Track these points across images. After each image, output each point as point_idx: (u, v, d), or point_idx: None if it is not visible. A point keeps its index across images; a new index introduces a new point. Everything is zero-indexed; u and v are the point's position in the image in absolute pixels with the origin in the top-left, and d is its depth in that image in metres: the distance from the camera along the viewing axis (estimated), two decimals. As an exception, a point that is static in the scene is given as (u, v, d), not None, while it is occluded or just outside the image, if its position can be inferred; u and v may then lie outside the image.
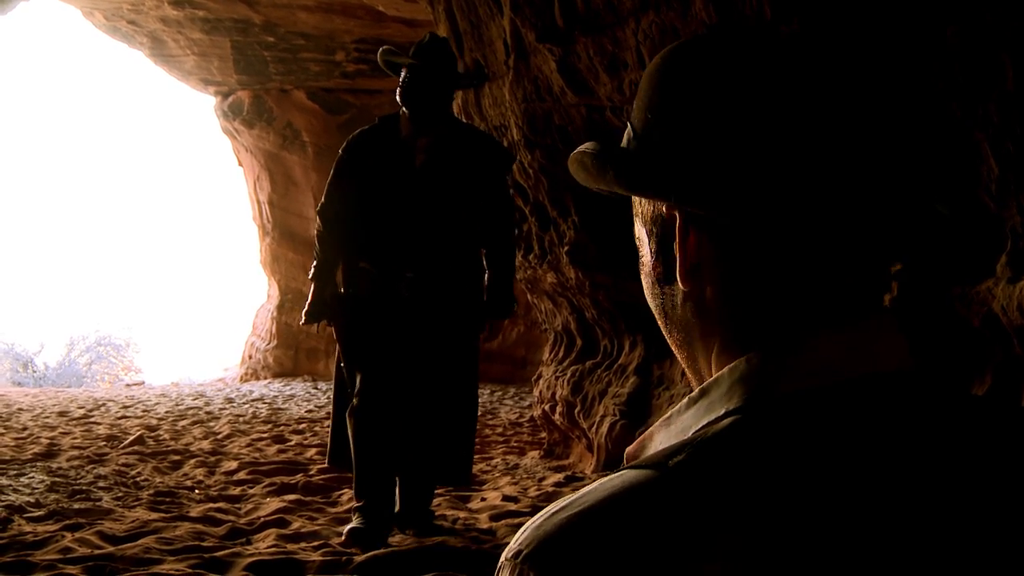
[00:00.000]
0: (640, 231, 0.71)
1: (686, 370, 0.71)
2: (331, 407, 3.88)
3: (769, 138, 0.62)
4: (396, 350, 3.52)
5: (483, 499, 4.40)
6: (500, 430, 7.03)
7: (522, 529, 0.57)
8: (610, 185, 0.68)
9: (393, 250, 3.54)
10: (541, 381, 5.80)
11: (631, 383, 4.78)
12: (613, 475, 0.58)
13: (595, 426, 4.86)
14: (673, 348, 0.72)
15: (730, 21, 3.11)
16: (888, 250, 0.66)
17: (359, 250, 3.61)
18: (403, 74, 3.52)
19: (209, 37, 11.28)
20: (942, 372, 2.83)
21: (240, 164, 13.89)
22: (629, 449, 0.69)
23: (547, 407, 5.59)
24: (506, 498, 4.34)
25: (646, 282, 0.72)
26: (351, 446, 3.54)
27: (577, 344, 5.56)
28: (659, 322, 0.72)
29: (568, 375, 5.37)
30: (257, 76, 11.92)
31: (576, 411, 5.12)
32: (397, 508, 3.62)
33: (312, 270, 3.74)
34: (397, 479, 3.60)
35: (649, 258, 0.71)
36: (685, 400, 0.66)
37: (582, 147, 0.70)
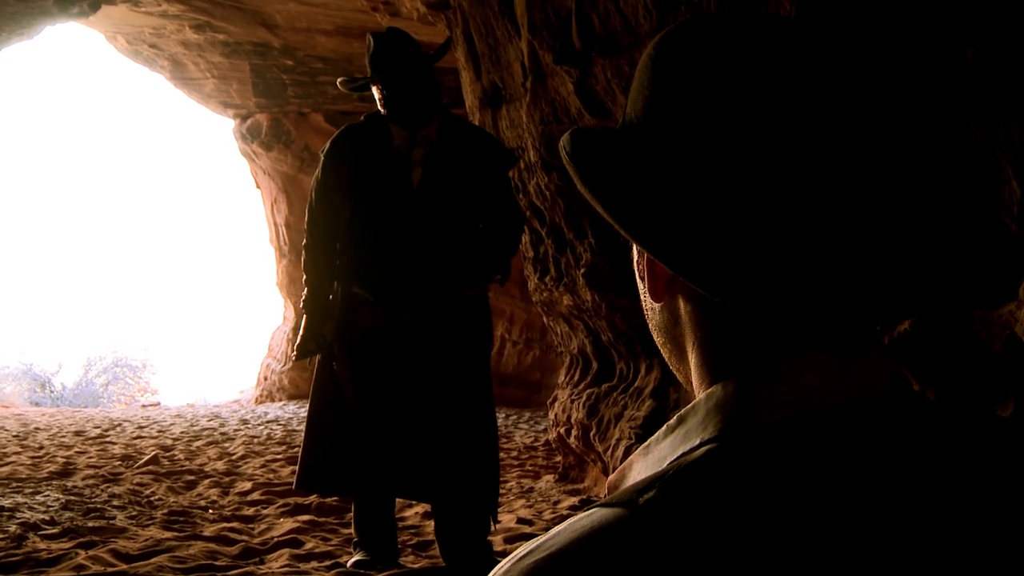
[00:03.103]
0: None
1: (674, 373, 0.69)
2: (304, 429, 3.52)
3: (752, 176, 0.56)
4: (403, 381, 3.26)
5: (498, 522, 4.37)
6: (515, 454, 6.99)
7: (490, 574, 0.55)
8: (581, 191, 0.63)
9: (390, 274, 3.24)
10: (556, 404, 5.77)
11: (647, 406, 4.74)
12: (582, 514, 0.55)
13: (611, 449, 4.82)
14: (659, 348, 0.69)
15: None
16: (875, 274, 0.59)
17: (352, 274, 3.30)
18: (376, 91, 3.23)
19: (229, 60, 11.40)
20: (925, 395, 2.79)
21: (258, 186, 13.99)
22: (610, 479, 0.67)
23: (562, 430, 5.56)
24: (520, 520, 4.31)
25: (636, 276, 0.69)
26: (350, 481, 3.35)
27: (593, 367, 5.54)
28: (647, 319, 0.70)
29: (584, 398, 5.34)
30: (275, 99, 12.03)
31: (592, 434, 5.09)
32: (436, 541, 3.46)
33: (303, 299, 3.37)
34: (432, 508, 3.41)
35: (635, 253, 0.68)
36: (663, 427, 0.63)
37: (562, 140, 0.65)
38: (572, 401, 5.47)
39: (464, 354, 3.33)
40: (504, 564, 0.55)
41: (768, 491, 0.53)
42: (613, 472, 0.67)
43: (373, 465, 3.30)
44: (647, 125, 0.62)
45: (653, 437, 0.63)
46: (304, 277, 3.38)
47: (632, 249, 0.68)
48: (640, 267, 0.67)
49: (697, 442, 0.58)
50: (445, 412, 3.29)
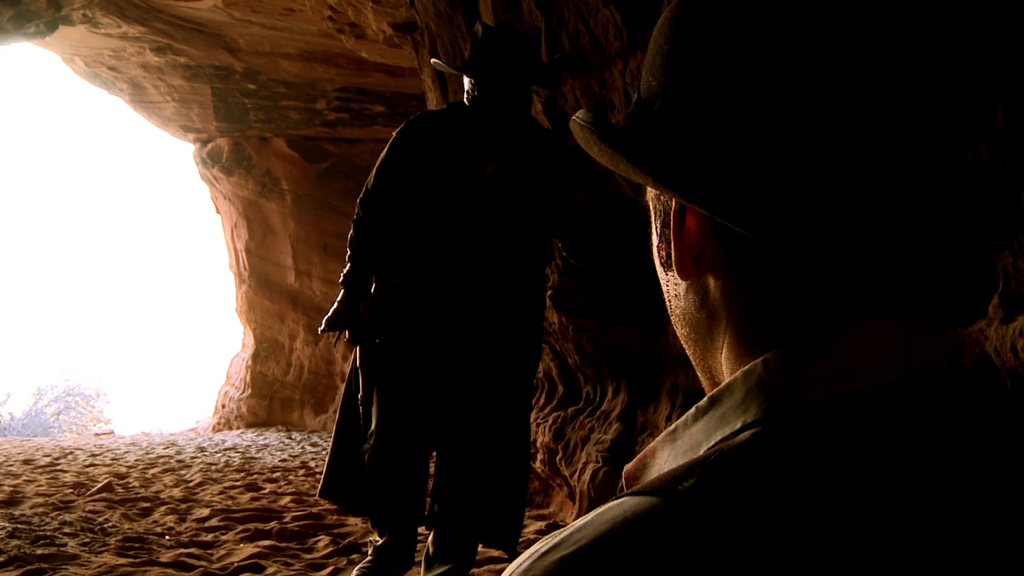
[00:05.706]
0: (650, 204, 0.63)
1: (696, 369, 0.63)
2: (332, 436, 3.27)
3: (794, 115, 0.52)
4: (430, 387, 3.04)
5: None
6: (478, 480, 6.92)
7: (507, 571, 0.49)
8: (599, 158, 0.59)
9: (437, 271, 3.03)
10: (522, 428, 5.72)
11: (614, 429, 4.70)
12: (612, 503, 0.49)
13: (577, 473, 4.77)
14: (682, 343, 0.63)
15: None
16: (929, 234, 0.55)
17: (397, 263, 3.08)
18: (467, 81, 3.07)
19: (190, 84, 11.29)
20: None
21: (218, 211, 13.84)
22: (628, 467, 0.60)
23: (528, 455, 5.50)
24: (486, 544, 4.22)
25: (656, 264, 0.64)
26: (369, 491, 3.11)
27: (559, 391, 5.49)
28: (669, 312, 0.64)
29: (550, 422, 5.29)
30: (237, 123, 11.93)
31: (558, 458, 5.03)
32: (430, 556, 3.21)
33: (344, 273, 3.15)
34: (432, 529, 3.18)
35: (655, 238, 0.63)
36: (692, 410, 0.57)
37: (577, 114, 0.62)
38: (538, 425, 5.41)
39: (505, 375, 3.10)
40: (522, 560, 0.49)
41: (824, 480, 0.47)
42: (632, 462, 0.61)
43: (391, 495, 3.10)
44: (671, 80, 0.58)
45: (680, 421, 0.57)
46: (348, 253, 3.17)
47: (652, 235, 0.63)
48: (662, 252, 0.62)
49: (738, 425, 0.53)
50: (472, 434, 3.08)
